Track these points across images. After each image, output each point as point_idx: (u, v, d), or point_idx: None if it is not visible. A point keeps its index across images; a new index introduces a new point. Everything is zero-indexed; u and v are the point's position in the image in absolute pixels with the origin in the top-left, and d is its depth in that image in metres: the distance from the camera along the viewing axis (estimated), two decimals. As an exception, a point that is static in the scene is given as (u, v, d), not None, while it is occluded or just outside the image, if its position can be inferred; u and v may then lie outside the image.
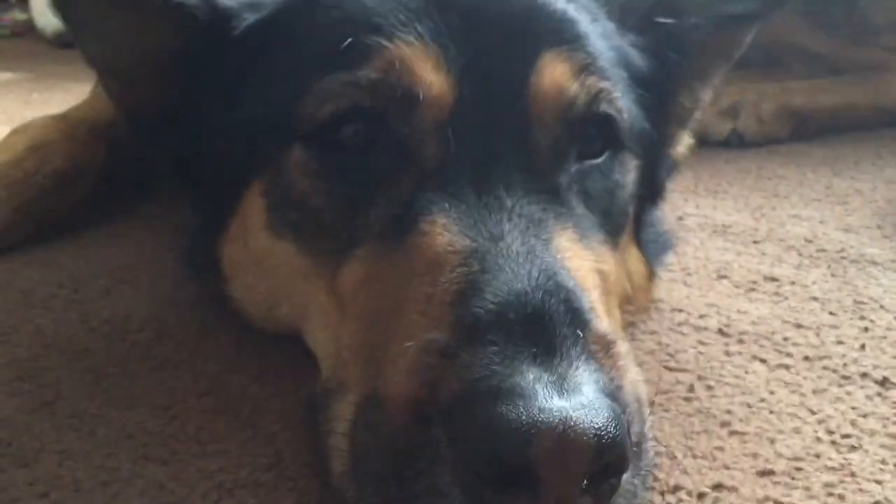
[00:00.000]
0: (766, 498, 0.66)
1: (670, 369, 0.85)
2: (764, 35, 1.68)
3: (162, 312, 0.95)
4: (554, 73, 0.73)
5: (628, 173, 0.80)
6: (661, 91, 0.90)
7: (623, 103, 0.79)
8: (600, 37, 0.82)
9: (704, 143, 1.62)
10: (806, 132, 1.65)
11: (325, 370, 0.72)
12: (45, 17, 3.20)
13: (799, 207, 1.29)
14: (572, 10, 0.79)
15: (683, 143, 1.03)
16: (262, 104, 0.78)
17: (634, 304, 0.93)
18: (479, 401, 0.52)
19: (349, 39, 0.71)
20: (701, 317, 0.96)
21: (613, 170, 0.78)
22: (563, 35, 0.76)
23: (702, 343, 0.90)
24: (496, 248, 0.62)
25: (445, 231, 0.64)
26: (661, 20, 0.93)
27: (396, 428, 0.57)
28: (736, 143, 1.62)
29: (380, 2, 0.75)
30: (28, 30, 3.44)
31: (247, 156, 0.79)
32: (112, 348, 0.88)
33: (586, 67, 0.75)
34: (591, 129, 0.76)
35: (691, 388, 0.82)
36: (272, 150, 0.75)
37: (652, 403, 0.78)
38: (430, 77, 0.70)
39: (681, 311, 0.97)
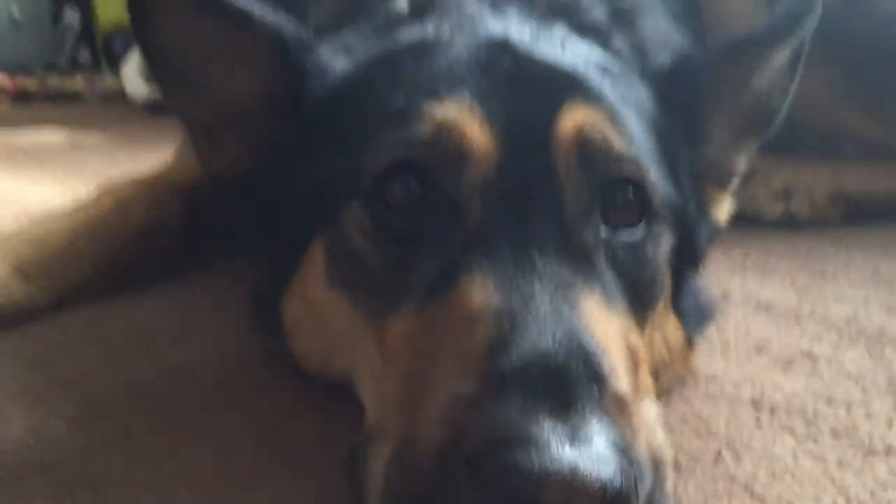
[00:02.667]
0: (780, 558, 0.70)
1: (700, 436, 0.89)
2: (820, 121, 1.73)
3: (227, 362, 1.03)
4: (575, 119, 0.79)
5: (660, 243, 0.85)
6: (688, 145, 0.95)
7: (649, 164, 0.84)
8: (626, 99, 0.88)
9: (757, 222, 1.66)
10: (858, 216, 1.67)
11: (370, 418, 0.78)
12: (135, 84, 3.38)
13: (844, 287, 1.32)
14: (596, 74, 0.87)
15: (724, 208, 1.06)
16: (327, 164, 0.86)
17: (671, 372, 0.97)
18: (497, 448, 0.57)
19: (403, 102, 0.79)
20: (735, 387, 0.99)
21: (645, 242, 0.82)
22: (585, 91, 0.83)
23: (733, 413, 0.94)
24: (526, 308, 0.67)
25: (482, 290, 0.69)
26: (673, 65, 0.99)
27: (425, 471, 0.62)
28: (788, 224, 1.65)
29: (430, 68, 0.84)
30: (119, 97, 3.63)
31: (312, 214, 0.86)
32: (179, 392, 0.96)
33: (607, 120, 0.81)
34: (619, 192, 0.81)
35: (719, 454, 0.85)
36: (333, 208, 0.82)
37: (679, 466, 0.83)
38: (477, 134, 0.77)
39: (716, 381, 1.01)
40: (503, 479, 0.56)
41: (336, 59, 0.93)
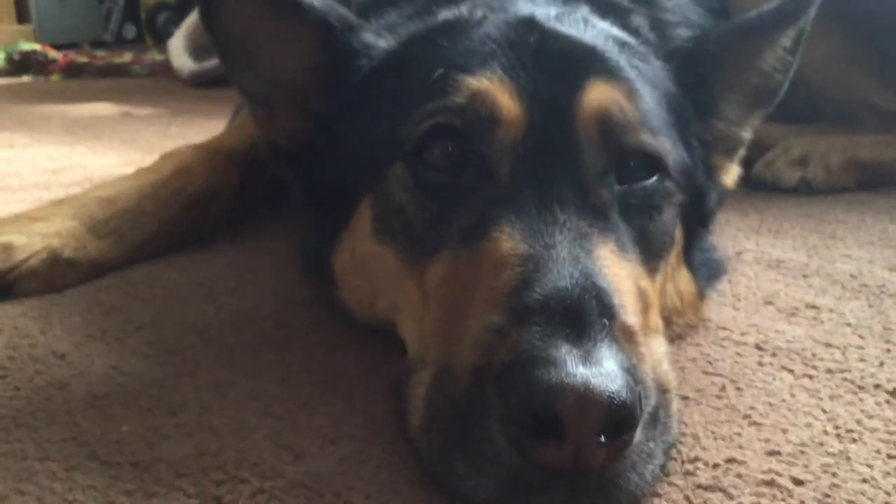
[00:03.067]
0: (770, 471, 0.79)
1: (707, 373, 0.99)
2: (838, 94, 1.81)
3: (281, 308, 1.14)
4: (597, 95, 0.89)
5: (670, 200, 0.94)
6: (699, 117, 1.05)
7: (662, 132, 0.94)
8: (642, 73, 0.98)
9: (775, 188, 1.75)
10: (872, 183, 1.75)
11: (411, 352, 0.89)
12: (181, 59, 3.50)
13: (852, 248, 1.41)
14: (615, 51, 0.97)
15: (732, 173, 1.16)
16: (373, 131, 0.97)
17: (683, 319, 1.07)
18: (522, 367, 0.68)
19: (441, 74, 0.90)
20: (742, 334, 1.09)
21: (655, 195, 0.92)
22: (607, 68, 0.93)
23: (739, 355, 1.04)
24: (548, 254, 0.78)
25: (510, 239, 0.80)
26: (689, 43, 1.09)
27: (460, 390, 0.73)
28: (804, 190, 1.74)
29: (465, 44, 0.94)
30: (165, 70, 3.76)
31: (359, 175, 0.97)
32: (240, 333, 1.07)
33: (625, 94, 0.91)
34: (634, 157, 0.91)
35: (723, 389, 0.96)
36: (380, 169, 0.93)
37: (686, 398, 0.93)
38: (507, 103, 0.87)
39: (725, 328, 1.11)
40: (527, 392, 0.66)
41: (380, 38, 1.04)
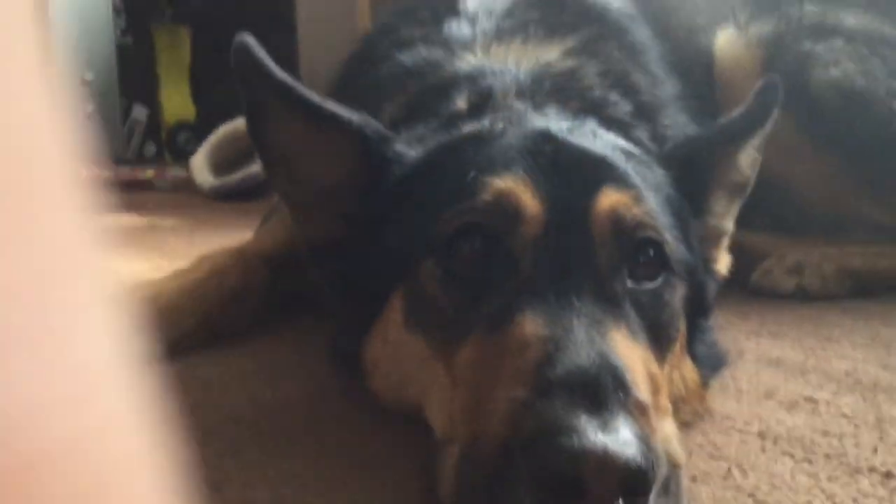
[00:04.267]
0: (773, 541, 0.87)
1: (713, 458, 1.06)
2: (829, 206, 1.93)
3: (314, 397, 1.22)
4: (610, 200, 0.99)
5: (675, 294, 1.03)
6: (696, 216, 1.17)
7: (666, 231, 1.04)
8: (646, 179, 1.09)
9: (773, 295, 1.84)
10: (865, 290, 1.84)
11: (439, 431, 0.96)
12: (203, 174, 3.66)
13: (847, 349, 1.49)
14: (622, 160, 1.08)
15: (724, 261, 1.29)
16: (405, 230, 1.07)
17: (688, 407, 1.15)
18: (547, 435, 0.76)
19: (468, 178, 1.00)
20: (745, 423, 1.17)
21: (663, 291, 1.01)
22: (616, 175, 1.04)
23: (743, 442, 1.11)
24: (567, 336, 0.87)
25: (533, 323, 0.89)
26: (678, 149, 1.22)
27: (489, 459, 0.81)
28: (801, 297, 1.83)
29: (488, 151, 1.05)
30: (187, 184, 3.91)
31: (392, 270, 1.06)
32: (275, 420, 1.15)
33: (634, 199, 1.01)
34: (643, 253, 1.00)
35: (728, 471, 1.03)
36: (412, 264, 1.02)
37: (694, 478, 1.00)
38: (529, 201, 0.97)
39: (729, 418, 1.18)
40: (552, 458, 0.74)
41: (410, 147, 1.16)
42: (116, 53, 5.55)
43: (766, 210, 2.01)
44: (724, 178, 1.26)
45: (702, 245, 1.18)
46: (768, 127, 1.27)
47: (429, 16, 1.57)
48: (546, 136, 1.08)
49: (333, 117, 1.15)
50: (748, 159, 1.27)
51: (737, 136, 1.26)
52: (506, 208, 0.97)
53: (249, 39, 1.12)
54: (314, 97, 1.15)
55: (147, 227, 2.90)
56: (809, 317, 1.71)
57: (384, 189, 1.13)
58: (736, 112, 1.26)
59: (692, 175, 1.19)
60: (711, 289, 1.20)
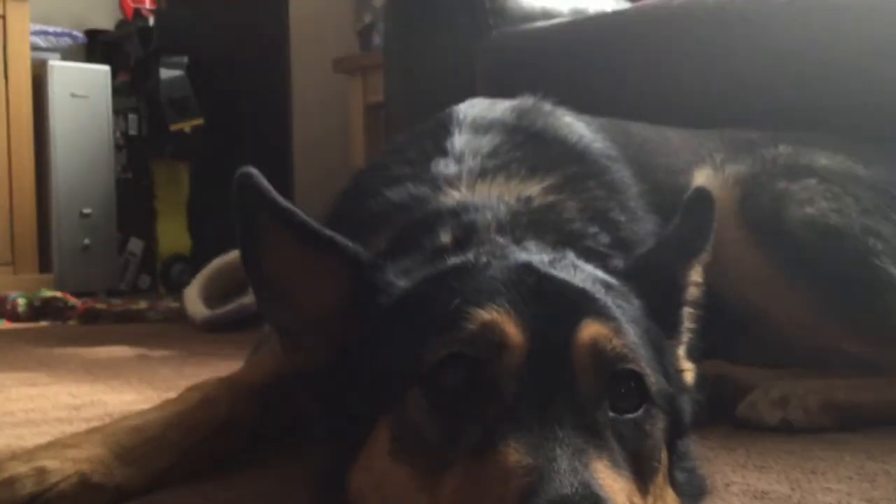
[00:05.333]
0: None
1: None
2: (809, 340, 1.96)
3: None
4: (591, 332, 1.02)
5: (657, 424, 1.05)
6: (669, 342, 1.20)
7: (646, 363, 1.06)
8: (625, 312, 1.12)
9: (758, 427, 1.85)
10: (850, 423, 1.86)
11: (425, 562, 0.97)
12: (195, 306, 3.70)
13: (832, 482, 1.49)
14: (602, 292, 1.12)
15: (689, 372, 1.29)
16: (392, 358, 1.09)
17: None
18: None
19: (453, 309, 1.03)
20: (730, 555, 1.17)
21: (644, 422, 1.03)
22: (597, 308, 1.07)
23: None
24: (550, 466, 0.88)
25: (517, 452, 0.90)
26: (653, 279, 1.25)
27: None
28: (786, 429, 1.84)
29: (472, 283, 1.09)
30: (179, 316, 3.95)
31: (379, 398, 1.08)
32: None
33: (615, 331, 1.04)
34: (623, 384, 1.02)
35: None
36: (397, 393, 1.04)
37: None
38: (513, 331, 1.00)
39: (714, 548, 1.18)
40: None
41: (398, 278, 1.19)
42: (116, 188, 5.70)
43: (749, 343, 2.05)
44: (686, 295, 1.30)
45: (679, 374, 1.21)
46: (711, 238, 1.31)
47: (418, 155, 1.64)
48: (528, 269, 1.12)
49: (331, 243, 1.19)
50: (698, 274, 1.31)
51: (686, 247, 1.30)
52: (490, 338, 1.00)
53: (253, 169, 1.17)
54: (313, 222, 1.19)
55: (137, 358, 2.91)
56: (795, 449, 1.71)
57: (373, 316, 1.16)
58: (671, 226, 1.32)
59: (664, 304, 1.23)
60: (688, 411, 1.21)
